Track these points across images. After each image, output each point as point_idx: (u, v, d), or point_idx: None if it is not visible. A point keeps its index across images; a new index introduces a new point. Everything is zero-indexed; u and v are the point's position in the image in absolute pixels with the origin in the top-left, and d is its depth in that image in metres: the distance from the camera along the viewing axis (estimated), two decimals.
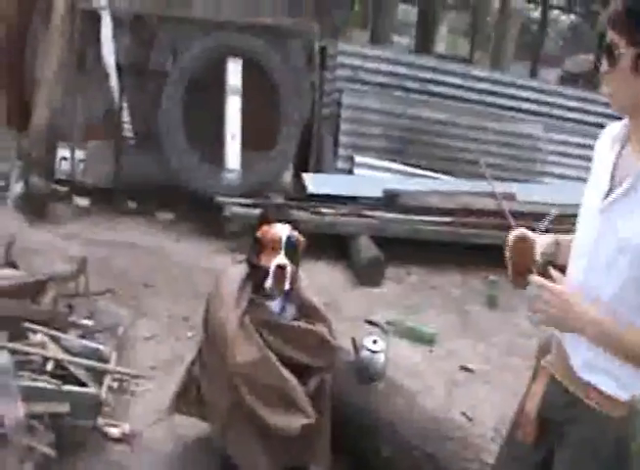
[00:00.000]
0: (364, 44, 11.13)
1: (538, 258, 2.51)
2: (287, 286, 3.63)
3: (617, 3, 2.26)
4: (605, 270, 2.34)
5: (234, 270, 3.82)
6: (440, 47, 22.48)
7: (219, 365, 3.61)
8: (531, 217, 7.64)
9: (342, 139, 8.86)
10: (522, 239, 2.53)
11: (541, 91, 9.95)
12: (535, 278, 2.39)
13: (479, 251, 7.41)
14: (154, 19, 8.09)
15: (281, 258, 3.59)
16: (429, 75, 9.46)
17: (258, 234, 3.69)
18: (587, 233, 2.42)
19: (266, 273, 3.61)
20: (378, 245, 7.28)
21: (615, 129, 2.45)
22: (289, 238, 3.64)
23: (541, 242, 2.56)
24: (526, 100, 9.73)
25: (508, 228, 6.38)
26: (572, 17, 20.87)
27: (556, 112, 9.92)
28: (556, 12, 18.98)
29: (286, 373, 3.54)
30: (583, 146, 9.48)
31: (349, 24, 13.32)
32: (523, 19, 11.50)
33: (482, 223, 7.79)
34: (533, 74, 14.42)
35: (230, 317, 3.56)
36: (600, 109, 9.87)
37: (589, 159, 2.55)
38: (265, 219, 3.77)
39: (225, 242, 7.27)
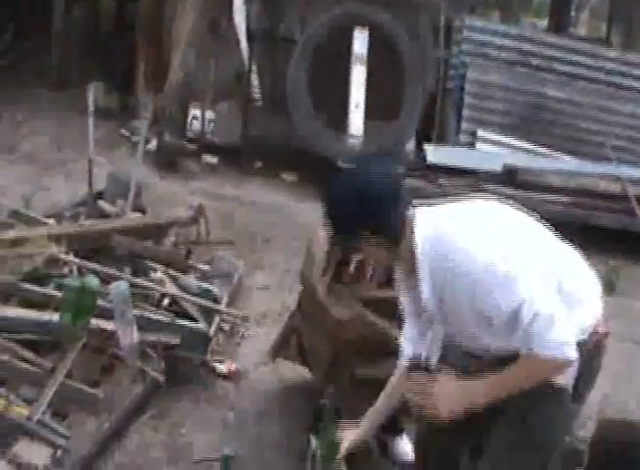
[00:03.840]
0: (492, 20, 11.02)
1: None
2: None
3: None
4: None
5: (324, 235, 3.82)
6: (582, 31, 21.92)
7: (318, 320, 3.76)
8: None
9: (466, 113, 8.82)
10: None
11: None
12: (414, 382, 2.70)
13: (597, 234, 7.30)
14: None
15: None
16: (556, 54, 9.22)
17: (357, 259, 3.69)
18: None
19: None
20: None
21: None
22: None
23: None
24: None
25: (632, 213, 6.48)
26: None
27: None
28: None
29: (383, 325, 3.62)
30: None
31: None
32: None
33: (603, 206, 7.69)
34: None
35: (321, 279, 3.70)
36: None
37: None
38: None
39: None
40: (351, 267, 3.71)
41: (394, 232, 2.60)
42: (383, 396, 3.09)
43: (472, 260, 2.51)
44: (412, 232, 2.60)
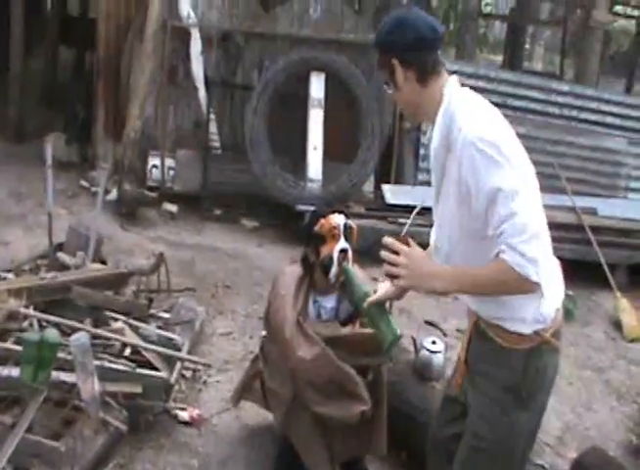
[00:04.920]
0: (446, 59, 11.14)
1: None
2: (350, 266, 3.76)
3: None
4: (452, 244, 2.84)
5: (290, 270, 3.98)
6: (538, 65, 22.34)
7: (280, 361, 3.81)
8: (614, 233, 7.84)
9: (423, 152, 8.92)
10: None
11: (625, 105, 9.76)
12: (388, 238, 2.70)
13: None
14: (241, 35, 8.51)
15: (343, 243, 3.73)
16: (510, 90, 9.36)
17: (316, 228, 3.80)
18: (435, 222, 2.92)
19: (329, 263, 3.76)
20: None
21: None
22: (346, 224, 3.79)
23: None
24: (610, 114, 9.58)
25: (588, 243, 6.58)
26: None
27: None
28: None
29: (343, 366, 3.69)
30: None
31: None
32: (604, 32, 11.25)
33: (560, 237, 7.82)
34: (628, 91, 14.14)
35: (288, 317, 3.73)
36: None
37: None
38: (319, 215, 3.87)
39: None
40: (332, 273, 3.77)
41: (425, 69, 2.74)
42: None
43: (477, 128, 2.60)
44: (442, 86, 2.75)
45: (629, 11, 18.38)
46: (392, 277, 2.70)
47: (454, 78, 2.80)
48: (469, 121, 2.62)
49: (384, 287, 3.13)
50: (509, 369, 2.79)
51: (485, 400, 2.86)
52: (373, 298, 3.10)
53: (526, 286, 2.55)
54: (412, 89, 2.75)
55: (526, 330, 2.76)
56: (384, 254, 2.69)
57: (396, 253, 2.67)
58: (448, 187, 2.72)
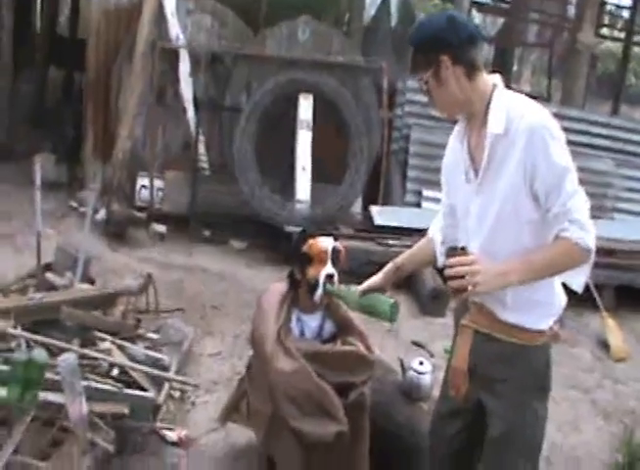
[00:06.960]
0: None
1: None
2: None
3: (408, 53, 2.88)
4: (493, 233, 2.87)
5: (275, 287, 4.02)
6: (525, 87, 22.50)
7: (262, 376, 3.82)
8: (601, 253, 7.87)
9: (411, 173, 9.01)
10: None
11: (612, 126, 9.92)
12: (453, 259, 2.77)
13: None
14: (229, 57, 8.57)
15: (329, 268, 3.76)
16: None
17: (305, 248, 3.84)
18: (469, 216, 2.94)
19: (315, 285, 3.80)
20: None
21: (456, 130, 2.98)
22: (334, 248, 3.84)
23: None
24: (597, 135, 9.70)
25: None
26: None
27: (629, 147, 9.87)
28: None
29: (322, 384, 3.71)
30: None
31: None
32: (591, 54, 11.32)
33: None
34: (615, 112, 14.26)
35: (269, 331, 3.77)
36: None
37: None
38: (309, 235, 3.92)
39: None
40: (317, 295, 3.81)
41: (474, 65, 2.83)
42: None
43: (543, 115, 2.76)
44: (487, 81, 2.87)
45: (615, 33, 18.59)
46: (462, 291, 2.74)
47: (498, 76, 2.93)
48: (532, 110, 2.77)
49: (367, 282, 3.32)
50: (528, 368, 2.91)
51: (508, 402, 2.94)
52: (360, 287, 3.31)
53: (587, 256, 2.76)
54: (460, 86, 2.82)
55: (544, 326, 2.90)
56: (451, 271, 2.73)
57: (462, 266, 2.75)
58: (501, 171, 2.79)
